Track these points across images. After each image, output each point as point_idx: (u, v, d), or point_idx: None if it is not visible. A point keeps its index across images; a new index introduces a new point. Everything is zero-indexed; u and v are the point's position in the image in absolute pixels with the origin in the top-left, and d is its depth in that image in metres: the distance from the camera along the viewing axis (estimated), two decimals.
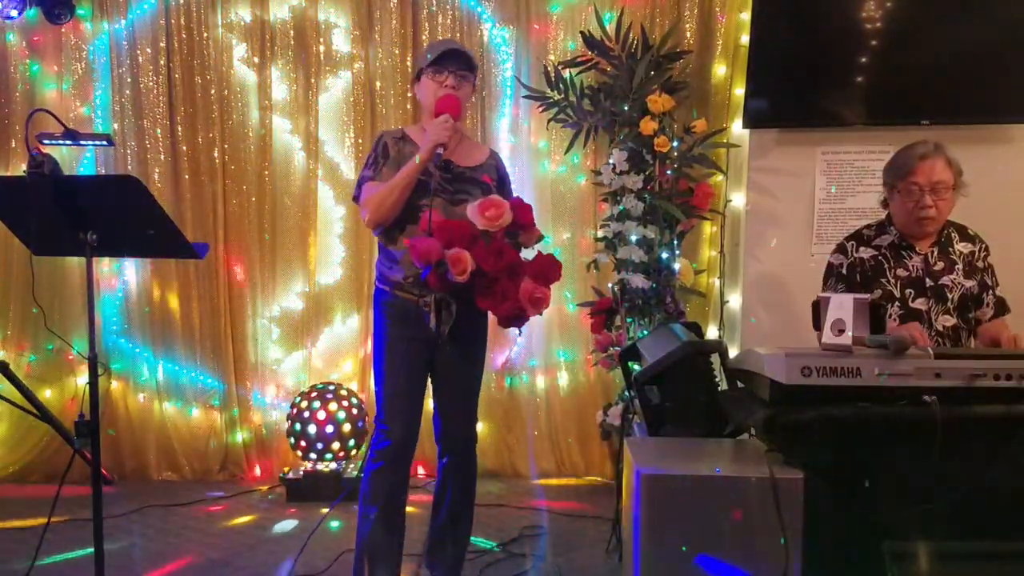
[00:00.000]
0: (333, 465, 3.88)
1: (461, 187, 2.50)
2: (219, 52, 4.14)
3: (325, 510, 3.30)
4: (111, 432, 4.16)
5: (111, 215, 2.19)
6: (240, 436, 4.25)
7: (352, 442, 3.91)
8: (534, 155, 4.13)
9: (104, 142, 2.61)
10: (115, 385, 4.23)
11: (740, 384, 2.10)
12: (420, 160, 2.38)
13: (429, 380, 2.61)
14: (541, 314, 2.42)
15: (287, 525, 3.53)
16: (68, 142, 2.42)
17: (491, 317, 2.48)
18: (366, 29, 4.11)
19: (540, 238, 2.53)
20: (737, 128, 3.83)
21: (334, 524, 3.51)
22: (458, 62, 2.50)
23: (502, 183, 2.64)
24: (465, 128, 2.60)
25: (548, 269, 2.40)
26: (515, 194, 2.58)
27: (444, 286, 2.34)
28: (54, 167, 2.17)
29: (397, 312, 2.50)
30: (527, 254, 2.47)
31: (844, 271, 2.62)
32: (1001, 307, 2.57)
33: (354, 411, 3.91)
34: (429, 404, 2.63)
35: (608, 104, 3.73)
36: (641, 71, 3.63)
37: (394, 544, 2.60)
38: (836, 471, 1.68)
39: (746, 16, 3.72)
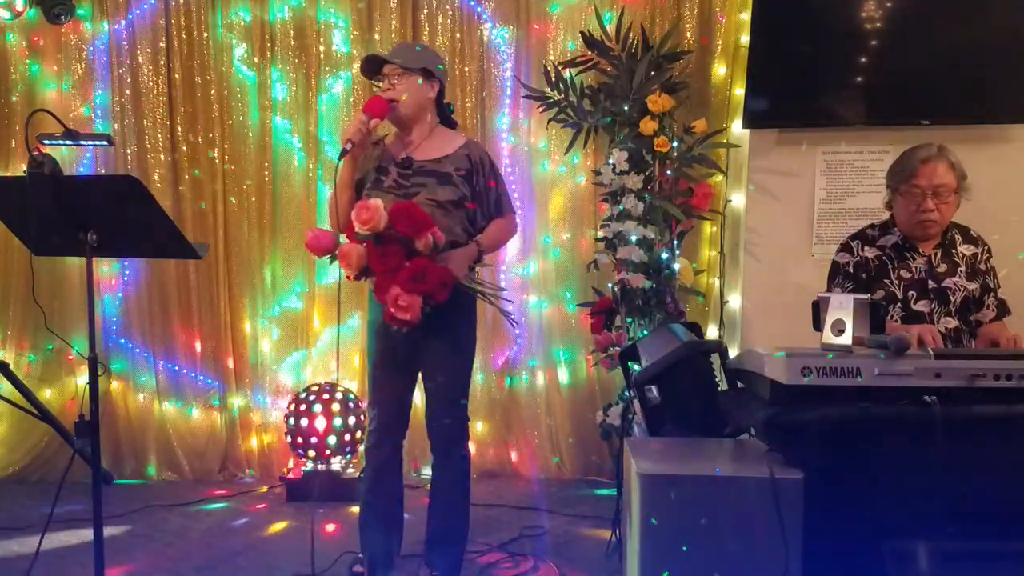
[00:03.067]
0: (333, 465, 3.88)
1: (417, 181, 2.55)
2: (219, 52, 4.14)
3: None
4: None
5: (111, 215, 2.19)
6: (240, 436, 4.25)
7: (350, 441, 3.90)
8: (534, 155, 4.13)
9: (104, 142, 2.61)
10: (115, 385, 4.23)
11: (740, 384, 2.10)
12: (340, 160, 2.52)
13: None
14: (412, 323, 2.33)
15: (287, 525, 3.53)
16: (68, 142, 2.42)
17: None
18: (366, 29, 4.11)
19: (435, 244, 2.43)
20: (737, 128, 3.83)
21: (333, 525, 3.51)
22: (385, 64, 2.59)
23: (475, 173, 2.62)
24: (424, 121, 2.64)
25: (422, 276, 2.31)
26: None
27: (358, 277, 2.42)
28: (54, 167, 2.17)
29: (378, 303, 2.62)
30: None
31: (851, 269, 2.61)
32: (1002, 309, 2.56)
33: (354, 411, 3.91)
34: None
35: (608, 104, 3.73)
36: (641, 71, 3.63)
37: (383, 518, 2.74)
38: (836, 471, 1.68)
39: (746, 16, 3.72)
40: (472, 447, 4.13)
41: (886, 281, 2.55)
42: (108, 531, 2.48)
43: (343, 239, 2.46)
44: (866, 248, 2.62)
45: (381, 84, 2.60)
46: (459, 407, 2.70)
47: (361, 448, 3.96)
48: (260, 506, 3.80)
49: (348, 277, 2.41)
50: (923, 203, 2.48)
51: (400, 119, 2.60)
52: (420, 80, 2.58)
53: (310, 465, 3.88)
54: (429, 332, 2.52)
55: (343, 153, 2.47)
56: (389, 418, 2.69)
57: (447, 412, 2.67)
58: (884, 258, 2.59)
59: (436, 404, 2.67)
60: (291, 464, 4.00)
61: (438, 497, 2.76)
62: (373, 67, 2.61)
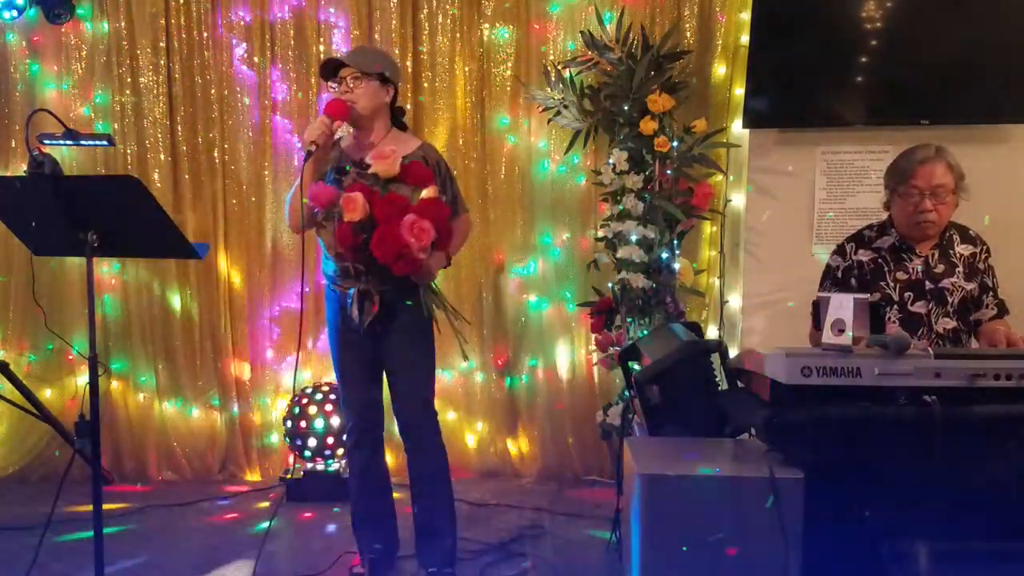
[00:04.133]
0: (333, 465, 3.88)
1: (376, 181, 2.60)
2: (219, 52, 4.13)
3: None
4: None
5: (111, 215, 2.19)
6: (240, 436, 4.24)
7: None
8: (534, 155, 4.13)
9: (104, 142, 2.62)
10: (115, 385, 4.23)
11: (740, 384, 2.10)
12: (305, 162, 2.56)
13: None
14: (426, 251, 2.47)
15: (286, 525, 3.53)
16: (68, 142, 2.42)
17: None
18: (366, 29, 4.11)
19: (432, 201, 2.56)
20: (737, 128, 3.83)
21: (333, 525, 3.51)
22: (343, 67, 2.64)
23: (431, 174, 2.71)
24: (380, 124, 2.72)
25: (431, 209, 2.51)
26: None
27: (349, 239, 2.48)
28: (54, 167, 2.17)
29: (335, 304, 2.71)
30: None
31: (840, 275, 2.61)
32: (1002, 308, 2.56)
33: None
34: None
35: (608, 104, 3.73)
36: (641, 71, 3.62)
37: (375, 516, 2.85)
38: (836, 471, 1.68)
39: (746, 16, 3.72)
40: (472, 446, 4.19)
41: (882, 284, 2.55)
42: (108, 531, 2.48)
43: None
44: (860, 251, 2.62)
45: (337, 87, 2.65)
46: (422, 396, 2.76)
47: None
48: (260, 506, 3.80)
49: (346, 233, 2.48)
50: (921, 204, 2.47)
51: (358, 121, 2.67)
52: (377, 84, 2.64)
53: (310, 465, 3.88)
54: (388, 328, 2.64)
55: (308, 155, 2.53)
56: (363, 417, 2.79)
57: (410, 402, 2.74)
58: (880, 260, 2.58)
59: (400, 395, 2.75)
60: (291, 464, 4.00)
61: (419, 493, 2.81)
62: (330, 70, 2.66)
